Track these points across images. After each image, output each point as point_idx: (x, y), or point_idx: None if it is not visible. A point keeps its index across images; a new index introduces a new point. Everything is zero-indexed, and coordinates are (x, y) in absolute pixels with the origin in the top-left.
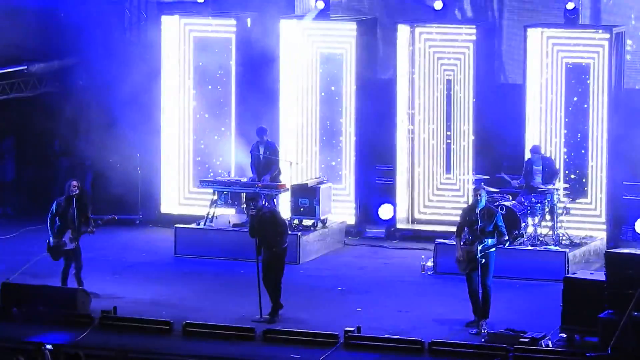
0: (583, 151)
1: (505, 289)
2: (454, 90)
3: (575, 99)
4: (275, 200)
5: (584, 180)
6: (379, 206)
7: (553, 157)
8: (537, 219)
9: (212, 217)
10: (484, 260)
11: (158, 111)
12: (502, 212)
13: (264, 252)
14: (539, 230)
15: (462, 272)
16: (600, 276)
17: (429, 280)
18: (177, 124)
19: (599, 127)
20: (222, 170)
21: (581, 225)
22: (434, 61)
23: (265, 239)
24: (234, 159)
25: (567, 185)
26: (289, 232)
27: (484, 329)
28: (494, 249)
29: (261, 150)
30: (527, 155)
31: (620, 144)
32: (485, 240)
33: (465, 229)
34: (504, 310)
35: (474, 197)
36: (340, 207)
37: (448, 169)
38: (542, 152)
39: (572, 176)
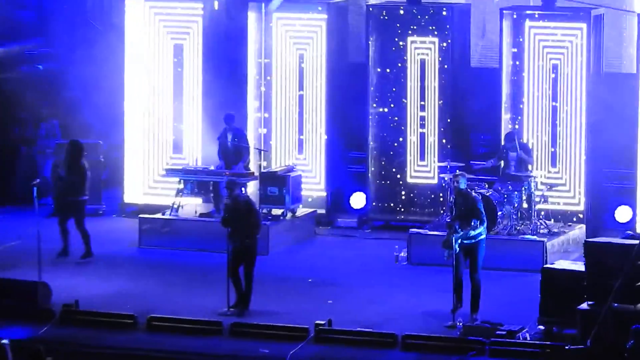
0: (561, 138)
1: (481, 280)
2: (428, 74)
3: (553, 75)
4: (243, 188)
5: (561, 167)
6: (351, 195)
7: (530, 145)
8: (514, 208)
9: (178, 206)
10: (457, 249)
11: (122, 97)
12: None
13: (234, 242)
14: (515, 219)
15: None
16: (580, 266)
17: (402, 272)
18: (142, 110)
19: (578, 113)
20: (189, 158)
21: (560, 214)
22: (408, 44)
23: (238, 230)
24: (200, 146)
25: (545, 173)
26: None
27: (459, 322)
28: (482, 237)
29: (229, 138)
30: (503, 142)
31: (599, 130)
32: (462, 229)
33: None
34: (480, 302)
35: (452, 183)
36: (310, 196)
37: (422, 156)
38: (518, 138)
39: (551, 167)
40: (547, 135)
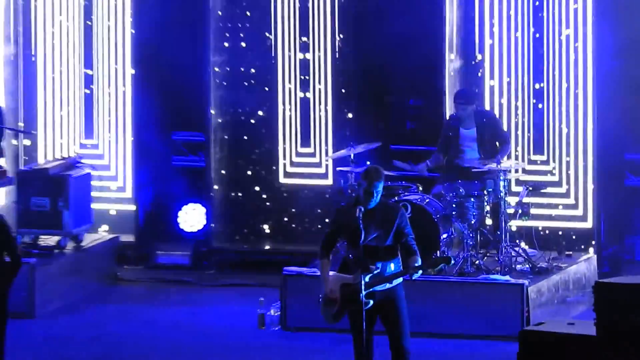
0: (555, 107)
1: (421, 354)
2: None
3: (540, 14)
4: None
5: (553, 154)
6: (180, 208)
7: (500, 115)
8: (469, 227)
9: None
10: (371, 302)
11: None
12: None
13: None
14: (472, 247)
15: (330, 324)
16: (587, 327)
17: (272, 342)
18: None
19: (581, 66)
20: None
21: (552, 236)
22: None
23: None
24: None
25: (526, 164)
26: None
27: None
28: (400, 280)
29: None
30: (449, 110)
31: (614, 93)
32: (381, 264)
33: (344, 245)
34: None
35: (361, 186)
36: (109, 211)
37: (306, 139)
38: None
39: (534, 154)
40: (528, 101)
